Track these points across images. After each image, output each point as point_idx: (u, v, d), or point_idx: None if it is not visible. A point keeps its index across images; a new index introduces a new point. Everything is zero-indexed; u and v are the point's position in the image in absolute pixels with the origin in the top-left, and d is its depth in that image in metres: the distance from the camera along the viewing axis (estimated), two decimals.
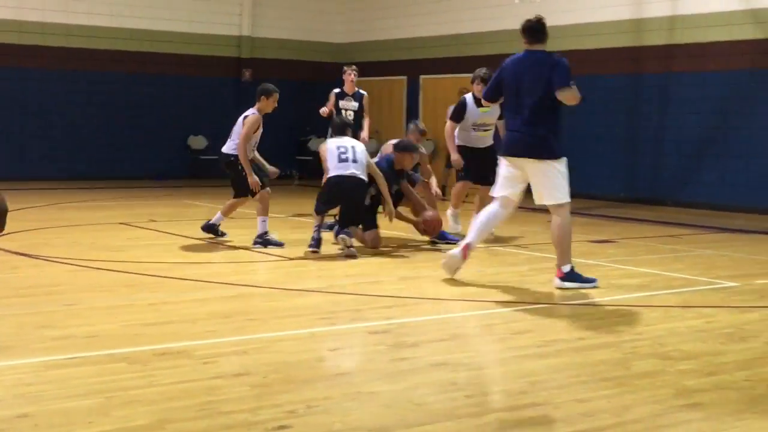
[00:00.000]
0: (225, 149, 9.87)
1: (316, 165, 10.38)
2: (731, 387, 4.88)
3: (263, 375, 4.91)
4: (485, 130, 10.71)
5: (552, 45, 17.23)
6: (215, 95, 20.36)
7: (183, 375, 4.87)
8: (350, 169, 9.35)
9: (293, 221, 12.44)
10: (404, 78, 20.18)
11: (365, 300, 7.09)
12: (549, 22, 19.24)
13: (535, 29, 7.81)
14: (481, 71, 10.45)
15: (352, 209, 9.44)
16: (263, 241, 9.59)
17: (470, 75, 10.54)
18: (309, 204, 14.16)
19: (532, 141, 7.57)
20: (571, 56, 16.83)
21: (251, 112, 9.78)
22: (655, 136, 14.90)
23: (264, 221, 9.68)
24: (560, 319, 6.60)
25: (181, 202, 15.12)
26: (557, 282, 7.61)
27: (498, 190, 7.87)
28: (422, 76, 20.00)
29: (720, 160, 14.55)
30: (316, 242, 9.22)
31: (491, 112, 10.39)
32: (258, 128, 9.74)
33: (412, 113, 19.75)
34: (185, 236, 10.40)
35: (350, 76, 12.19)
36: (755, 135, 14.61)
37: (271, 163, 10.19)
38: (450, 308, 6.95)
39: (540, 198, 7.65)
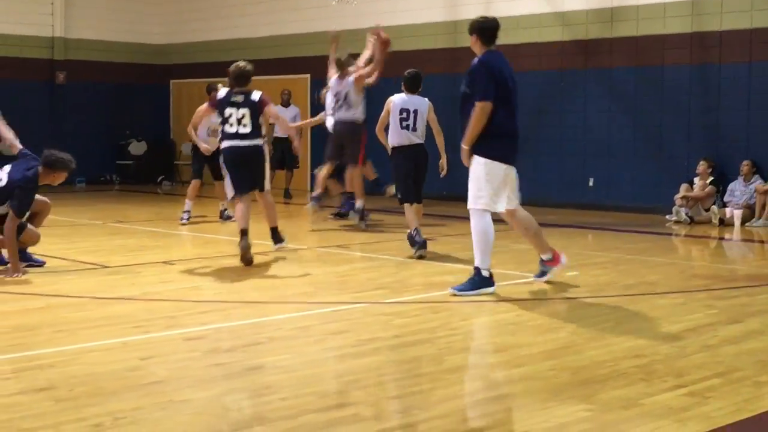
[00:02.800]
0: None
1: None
2: (537, 377, 5.04)
3: (69, 388, 4.72)
4: None
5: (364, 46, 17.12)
6: (28, 99, 19.50)
7: None
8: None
9: (112, 227, 12.10)
10: (226, 80, 19.92)
11: (182, 306, 6.95)
12: (366, 24, 19.37)
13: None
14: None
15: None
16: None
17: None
18: (129, 209, 13.74)
19: None
20: (393, 57, 17.17)
21: None
22: None
23: None
24: (377, 318, 6.65)
25: None
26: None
27: None
28: None
29: (534, 158, 15.06)
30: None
31: None
32: None
33: None
34: None
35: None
36: (566, 133, 15.22)
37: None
38: (267, 311, 6.89)
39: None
